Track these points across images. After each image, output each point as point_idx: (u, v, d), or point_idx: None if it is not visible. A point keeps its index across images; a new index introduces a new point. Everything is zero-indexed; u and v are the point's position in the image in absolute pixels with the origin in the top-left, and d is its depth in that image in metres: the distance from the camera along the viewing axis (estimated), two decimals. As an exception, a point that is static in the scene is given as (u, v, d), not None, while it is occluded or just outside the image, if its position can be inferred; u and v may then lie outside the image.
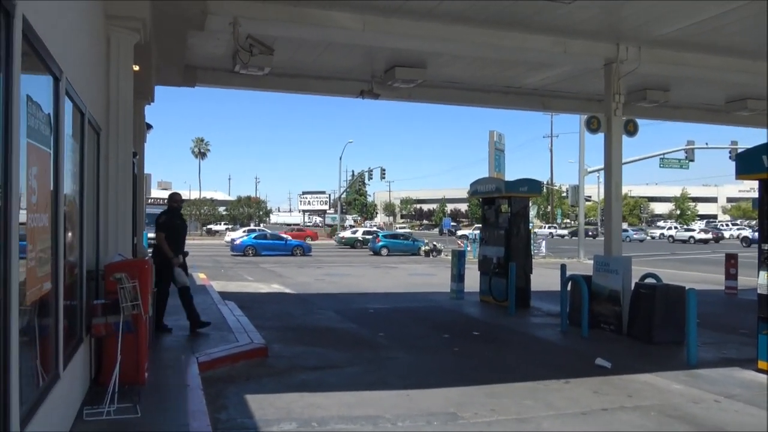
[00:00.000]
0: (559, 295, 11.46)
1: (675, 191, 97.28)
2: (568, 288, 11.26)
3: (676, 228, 68.48)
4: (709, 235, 59.87)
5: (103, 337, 5.84)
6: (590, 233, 70.05)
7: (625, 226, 65.91)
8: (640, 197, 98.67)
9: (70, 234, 4.95)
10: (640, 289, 10.36)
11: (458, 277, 15.19)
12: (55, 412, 4.17)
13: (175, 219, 9.48)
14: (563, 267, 12.42)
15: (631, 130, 12.48)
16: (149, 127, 14.68)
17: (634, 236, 62.55)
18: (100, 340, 6.05)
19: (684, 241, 58.95)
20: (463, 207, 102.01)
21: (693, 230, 62.89)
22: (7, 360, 2.88)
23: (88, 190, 5.77)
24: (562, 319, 11.01)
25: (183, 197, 10.12)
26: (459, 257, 15.34)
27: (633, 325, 10.21)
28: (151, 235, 19.59)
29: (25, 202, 3.27)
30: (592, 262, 11.73)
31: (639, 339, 9.92)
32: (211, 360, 7.71)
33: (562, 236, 68.17)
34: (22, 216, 3.18)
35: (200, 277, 18.77)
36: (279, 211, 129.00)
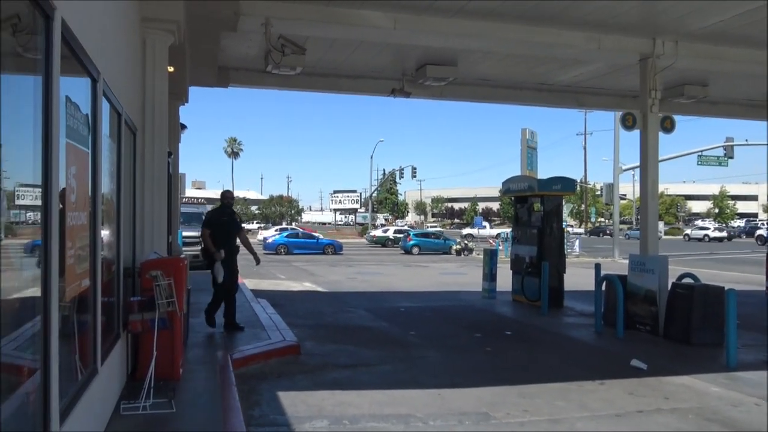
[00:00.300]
0: (593, 295, 11.29)
1: (713, 189, 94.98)
2: (603, 288, 11.08)
3: (692, 226, 68.58)
4: (724, 233, 61.37)
5: (140, 334, 5.94)
6: (607, 231, 69.25)
7: (660, 225, 64.88)
8: (677, 195, 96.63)
9: (107, 232, 5.06)
10: (677, 289, 10.15)
11: (490, 276, 15.08)
12: (93, 405, 4.27)
13: (222, 216, 9.58)
14: (597, 266, 12.24)
15: (668, 126, 12.25)
16: (183, 127, 14.90)
17: None
18: (136, 336, 6.18)
19: (699, 240, 59.58)
20: (495, 206, 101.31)
21: (707, 228, 63.87)
22: (48, 355, 2.95)
23: (125, 189, 5.89)
24: (596, 320, 10.84)
25: (233, 194, 10.17)
26: (491, 256, 15.23)
27: (670, 326, 10.01)
28: (187, 233, 19.95)
29: (65, 201, 3.34)
30: (627, 261, 11.53)
31: (676, 340, 9.71)
32: (245, 357, 7.80)
33: (579, 234, 67.41)
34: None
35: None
36: (311, 209, 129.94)
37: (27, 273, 2.99)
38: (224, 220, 9.51)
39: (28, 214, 3.03)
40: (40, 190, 2.95)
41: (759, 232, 58.12)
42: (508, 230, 61.80)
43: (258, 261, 10.04)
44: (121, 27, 5.55)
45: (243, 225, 10.47)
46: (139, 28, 6.90)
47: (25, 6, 2.73)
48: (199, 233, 22.16)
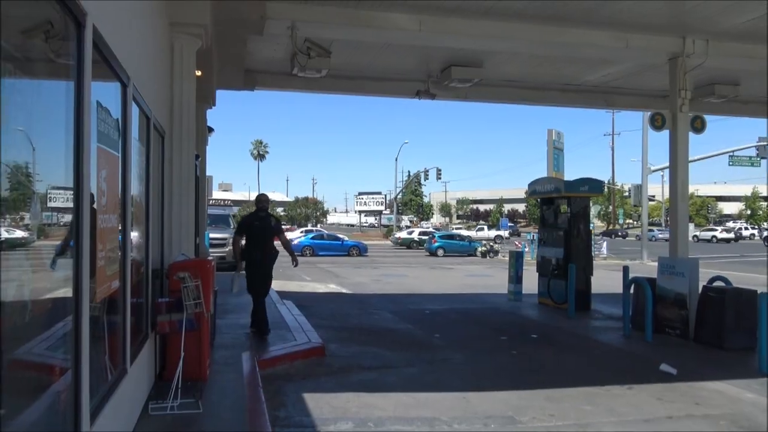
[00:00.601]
0: (621, 298, 11.14)
1: (745, 190, 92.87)
2: (631, 290, 10.92)
3: (712, 228, 69.30)
4: (731, 235, 64.04)
5: (167, 334, 6.02)
6: (619, 233, 69.16)
7: (690, 227, 64.42)
8: (708, 197, 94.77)
9: (136, 234, 5.13)
10: (708, 293, 9.96)
11: (516, 278, 14.97)
12: (123, 405, 4.33)
13: (254, 221, 9.33)
14: (626, 269, 12.07)
15: (698, 126, 12.03)
16: (211, 130, 15.08)
17: (660, 236, 64.56)
18: (164, 337, 6.25)
19: (707, 241, 61.47)
20: (521, 207, 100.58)
21: (715, 230, 66.46)
22: (79, 355, 3.00)
23: (154, 191, 5.97)
24: (624, 323, 10.69)
25: (268, 198, 9.82)
26: (516, 258, 15.13)
27: (700, 329, 9.83)
28: (214, 235, 20.13)
29: (96, 204, 3.40)
30: (655, 264, 11.34)
31: (707, 344, 9.53)
32: (270, 358, 7.86)
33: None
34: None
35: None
36: (335, 211, 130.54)
37: (57, 274, 3.04)
38: (256, 225, 9.27)
39: (59, 216, 3.09)
40: (71, 192, 3.00)
41: (766, 233, 58.19)
42: (503, 233, 60.95)
43: (295, 262, 9.75)
44: (150, 32, 5.64)
45: (282, 226, 10.06)
46: (167, 33, 7.00)
47: (57, 13, 2.78)
48: (226, 235, 22.38)
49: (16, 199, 2.54)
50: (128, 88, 4.33)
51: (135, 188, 4.92)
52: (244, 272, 9.23)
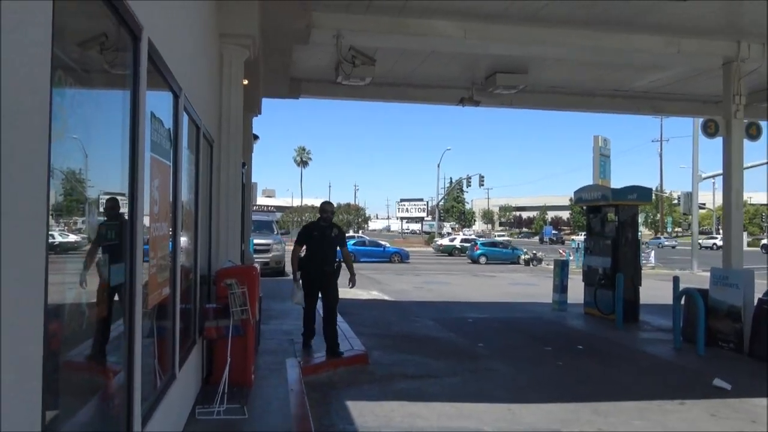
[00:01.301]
0: (670, 309, 10.82)
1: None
2: (682, 302, 10.60)
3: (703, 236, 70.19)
4: None
5: (214, 340, 6.11)
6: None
7: (745, 237, 62.55)
8: (762, 205, 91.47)
9: (185, 239, 5.23)
10: (764, 305, 9.59)
11: (561, 287, 14.70)
12: (172, 410, 4.41)
13: (313, 231, 8.78)
14: (676, 279, 11.73)
15: (754, 133, 11.63)
16: (256, 137, 15.30)
17: (666, 243, 66.05)
18: (210, 343, 6.35)
19: (708, 248, 61.13)
20: (565, 214, 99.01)
21: (716, 238, 65.35)
22: (132, 362, 3.07)
23: (202, 199, 6.08)
24: (675, 335, 10.37)
25: (333, 207, 9.21)
26: (561, 267, 14.86)
27: (756, 343, 9.46)
28: (258, 241, 20.40)
29: (148, 212, 3.48)
30: (706, 274, 10.98)
31: (763, 359, 9.16)
32: (314, 365, 7.90)
33: None
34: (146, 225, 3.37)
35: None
36: (377, 218, 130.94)
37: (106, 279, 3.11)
38: (315, 236, 8.69)
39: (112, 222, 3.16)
40: (122, 198, 3.08)
41: (764, 241, 56.84)
42: (478, 237, 59.27)
43: (352, 283, 9.01)
44: (201, 44, 5.76)
45: (345, 238, 9.23)
46: (216, 44, 7.14)
47: (113, 26, 2.86)
48: (269, 241, 22.60)
49: (69, 205, 2.61)
50: (180, 98, 4.43)
51: (184, 196, 5.01)
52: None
